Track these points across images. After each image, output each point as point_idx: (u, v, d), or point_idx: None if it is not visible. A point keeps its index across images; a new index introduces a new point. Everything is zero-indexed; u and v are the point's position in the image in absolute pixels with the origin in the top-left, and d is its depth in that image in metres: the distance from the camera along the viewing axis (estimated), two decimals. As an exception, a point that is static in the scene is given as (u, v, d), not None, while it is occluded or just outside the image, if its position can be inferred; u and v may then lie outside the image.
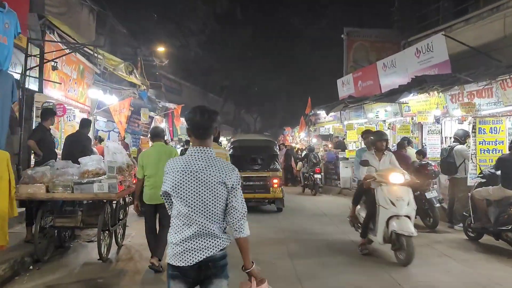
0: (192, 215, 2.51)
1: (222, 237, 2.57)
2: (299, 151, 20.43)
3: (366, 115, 14.78)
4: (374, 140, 6.89)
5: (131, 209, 7.55)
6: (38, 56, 8.72)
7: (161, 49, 22.82)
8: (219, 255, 2.56)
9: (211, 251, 2.52)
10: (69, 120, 11.49)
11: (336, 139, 18.11)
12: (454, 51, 11.42)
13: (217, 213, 2.55)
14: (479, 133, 8.10)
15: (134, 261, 6.24)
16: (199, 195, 2.52)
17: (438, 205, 8.49)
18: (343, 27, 20.37)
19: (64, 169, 6.00)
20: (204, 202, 2.52)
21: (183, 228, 2.53)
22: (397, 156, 7.19)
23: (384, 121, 13.89)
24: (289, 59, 34.28)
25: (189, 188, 2.53)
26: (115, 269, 5.84)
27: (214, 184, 2.53)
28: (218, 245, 2.54)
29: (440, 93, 9.91)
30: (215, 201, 2.53)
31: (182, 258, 2.51)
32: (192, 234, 2.51)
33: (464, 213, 7.78)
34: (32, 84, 8.67)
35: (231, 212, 2.57)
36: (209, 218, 2.53)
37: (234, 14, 33.06)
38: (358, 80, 16.75)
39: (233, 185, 2.58)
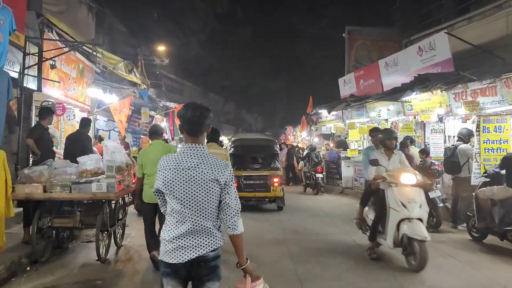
0: (185, 212, 2.50)
1: (216, 235, 2.55)
2: (300, 150, 20.33)
3: (368, 114, 14.69)
4: (383, 138, 6.55)
5: (131, 208, 7.47)
6: (37, 54, 8.66)
7: (161, 48, 22.76)
8: (212, 256, 2.53)
9: (203, 250, 2.50)
10: (69, 120, 11.42)
11: (338, 138, 18.03)
12: (456, 49, 11.33)
13: (211, 211, 2.54)
14: (483, 132, 8.00)
15: (133, 262, 6.15)
16: (192, 192, 2.50)
17: (441, 204, 8.39)
18: (344, 26, 20.26)
19: (62, 168, 5.91)
20: (197, 199, 2.50)
21: (176, 225, 2.53)
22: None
23: (387, 120, 13.79)
24: (290, 58, 34.28)
25: (181, 185, 2.51)
26: (113, 270, 5.75)
27: (207, 182, 2.52)
28: (212, 243, 2.53)
29: (444, 91, 9.81)
30: (207, 199, 2.52)
31: (174, 255, 2.50)
32: (185, 231, 2.50)
33: (468, 213, 7.69)
34: (30, 83, 8.61)
35: (225, 209, 2.56)
36: (203, 216, 2.51)
37: (234, 13, 33.07)
38: (360, 79, 16.66)
39: (226, 182, 2.55)
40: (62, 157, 8.82)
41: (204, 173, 2.51)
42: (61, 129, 11.14)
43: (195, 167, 2.53)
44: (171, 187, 2.51)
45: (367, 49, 19.71)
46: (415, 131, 11.77)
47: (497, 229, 6.68)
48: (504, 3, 11.35)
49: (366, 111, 14.80)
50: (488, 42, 11.22)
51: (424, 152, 9.32)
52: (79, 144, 7.61)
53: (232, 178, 2.60)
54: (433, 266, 5.86)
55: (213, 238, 2.53)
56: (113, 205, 6.52)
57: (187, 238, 2.50)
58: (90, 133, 9.68)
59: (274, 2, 34.39)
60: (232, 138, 13.54)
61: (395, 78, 13.57)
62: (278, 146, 12.80)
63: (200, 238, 2.51)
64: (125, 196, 7.15)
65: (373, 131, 7.80)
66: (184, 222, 2.50)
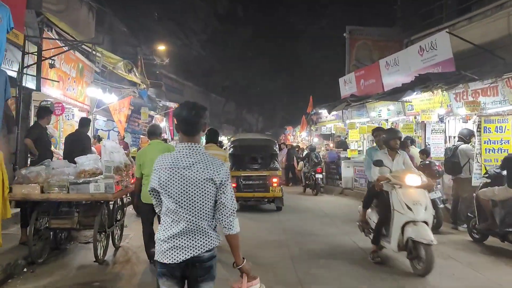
0: (180, 212, 2.48)
1: (212, 235, 2.54)
2: (299, 150, 20.27)
3: (369, 114, 14.64)
4: (387, 138, 6.34)
5: (129, 209, 7.42)
6: (36, 53, 8.62)
7: (161, 47, 22.70)
8: (207, 256, 2.52)
9: (198, 250, 2.49)
10: (68, 119, 11.39)
11: (338, 139, 17.99)
12: (457, 49, 11.27)
13: (206, 210, 2.52)
14: (484, 132, 7.94)
15: (131, 264, 6.10)
16: (187, 192, 2.49)
17: (441, 205, 8.34)
18: (345, 26, 20.20)
19: (59, 168, 5.87)
20: (192, 199, 2.49)
21: (171, 225, 2.52)
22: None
23: (387, 120, 13.74)
24: (290, 58, 34.23)
25: (176, 185, 2.50)
26: (111, 272, 5.70)
27: (202, 181, 2.50)
28: (207, 243, 2.51)
29: (444, 91, 9.76)
30: (203, 198, 2.50)
31: (169, 255, 2.49)
32: (180, 230, 2.49)
33: (468, 214, 7.63)
34: (29, 82, 8.56)
35: (220, 209, 2.54)
36: (198, 215, 2.50)
37: (235, 13, 33.00)
38: (360, 78, 16.60)
39: (221, 181, 2.53)
40: (61, 157, 8.80)
41: (199, 173, 2.50)
42: (60, 128, 11.11)
43: (190, 167, 2.51)
44: (166, 186, 2.50)
45: (368, 49, 19.65)
46: (415, 131, 11.72)
47: (498, 230, 6.63)
48: (506, 2, 11.28)
49: (366, 111, 14.75)
50: (489, 42, 11.15)
51: (425, 152, 9.27)
52: (78, 144, 7.57)
53: (228, 177, 2.57)
54: (434, 268, 5.76)
55: (208, 238, 2.52)
56: (111, 206, 6.47)
57: (182, 238, 2.48)
58: (89, 133, 9.64)
59: (274, 2, 34.36)
60: (232, 139, 13.55)
61: (396, 78, 13.50)
62: (277, 146, 12.81)
63: (195, 238, 2.49)
64: (123, 196, 7.10)
65: (376, 131, 7.62)
66: (179, 222, 2.49)
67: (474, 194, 7.35)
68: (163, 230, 2.53)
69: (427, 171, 8.32)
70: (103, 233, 6.11)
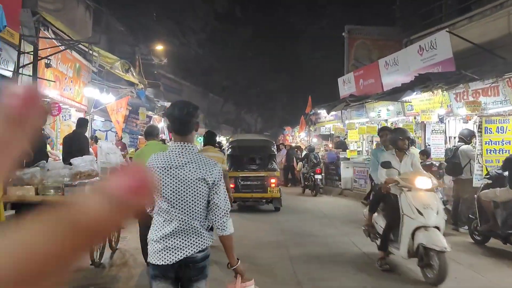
0: (173, 211, 2.46)
1: (204, 235, 2.51)
2: (298, 150, 20.17)
3: (368, 114, 14.56)
4: (395, 138, 5.95)
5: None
6: (32, 53, 8.53)
7: (159, 47, 22.60)
8: (201, 256, 2.49)
9: (191, 250, 2.45)
10: (65, 120, 11.29)
11: (337, 139, 17.89)
12: (457, 48, 11.20)
13: (198, 210, 2.49)
14: (485, 133, 7.85)
15: (128, 266, 6.01)
16: (179, 191, 2.47)
17: (442, 207, 8.24)
18: (344, 25, 20.13)
19: (54, 170, 5.77)
20: (184, 199, 2.46)
21: (163, 225, 2.49)
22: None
23: (386, 120, 13.66)
24: (289, 58, 34.15)
25: (168, 185, 2.47)
26: (108, 275, 5.62)
27: (194, 181, 2.47)
28: (200, 243, 2.48)
29: (444, 91, 9.68)
30: (195, 198, 2.48)
31: (162, 256, 2.46)
32: (173, 230, 2.46)
33: (470, 215, 7.56)
34: (25, 82, 8.47)
35: (213, 209, 2.51)
36: (190, 215, 2.47)
37: (234, 13, 32.90)
38: (359, 78, 16.54)
39: (214, 181, 2.50)
40: (57, 158, 8.73)
41: (192, 172, 2.48)
42: (57, 129, 11.02)
43: (183, 166, 2.49)
44: (158, 185, 2.47)
45: (367, 49, 19.58)
46: (415, 131, 11.64)
47: (500, 232, 6.56)
48: (505, 2, 11.24)
49: (365, 111, 14.67)
50: (489, 41, 11.10)
51: (425, 153, 9.21)
52: (77, 144, 7.51)
53: (220, 177, 2.54)
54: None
55: (201, 238, 2.49)
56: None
57: (174, 238, 2.45)
58: (87, 134, 9.56)
59: (274, 2, 34.30)
60: (230, 139, 13.55)
61: (395, 77, 13.44)
62: (275, 147, 12.80)
63: (188, 238, 2.47)
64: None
65: (382, 131, 7.19)
66: (172, 221, 2.47)
67: (475, 195, 7.27)
68: (156, 230, 2.51)
69: (428, 172, 8.28)
70: (100, 235, 6.01)
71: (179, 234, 2.46)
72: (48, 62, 8.64)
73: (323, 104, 17.73)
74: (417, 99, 10.79)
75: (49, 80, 9.19)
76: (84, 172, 5.78)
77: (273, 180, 10.79)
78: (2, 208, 5.12)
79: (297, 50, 33.83)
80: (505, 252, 6.67)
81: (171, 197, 2.47)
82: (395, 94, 11.38)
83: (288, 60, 34.30)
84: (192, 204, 2.47)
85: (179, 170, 2.48)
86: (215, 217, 2.51)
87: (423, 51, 12.02)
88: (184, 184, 2.47)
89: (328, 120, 18.62)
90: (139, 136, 15.04)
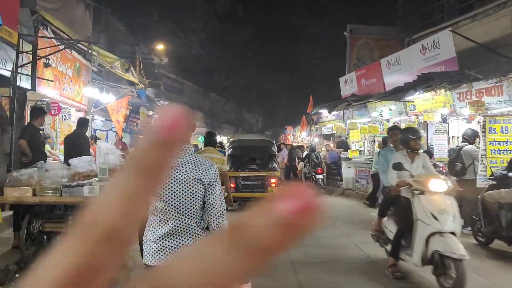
0: (168, 211, 2.45)
1: (201, 235, 2.49)
2: (300, 150, 20.08)
3: (370, 114, 14.47)
4: (407, 138, 5.57)
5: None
6: (31, 52, 8.45)
7: (160, 47, 22.52)
8: None
9: None
10: (65, 120, 11.23)
11: (339, 139, 17.81)
12: (459, 48, 11.12)
13: (194, 210, 2.48)
14: (489, 133, 7.76)
15: (127, 268, 5.92)
16: (175, 192, 2.46)
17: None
18: (345, 25, 20.04)
19: (53, 171, 5.69)
20: (180, 199, 2.46)
21: (159, 225, 2.47)
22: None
23: (388, 120, 13.58)
24: (290, 58, 34.12)
25: (165, 185, 2.43)
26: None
27: (190, 181, 2.47)
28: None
29: (447, 91, 9.59)
30: (191, 198, 2.47)
31: (158, 258, 2.44)
32: (169, 230, 2.44)
33: (473, 216, 7.46)
34: (24, 82, 8.39)
35: (209, 210, 2.51)
36: (186, 215, 2.46)
37: (234, 13, 32.87)
38: (361, 78, 16.45)
39: (210, 182, 2.50)
40: (57, 158, 8.66)
41: (188, 173, 2.48)
42: (57, 129, 10.96)
43: (179, 167, 2.47)
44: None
45: (369, 48, 19.49)
46: (417, 131, 11.54)
47: (504, 233, 6.46)
48: (508, 0, 11.15)
49: (367, 111, 14.58)
50: (492, 40, 11.01)
51: (428, 153, 9.09)
52: (77, 145, 7.45)
53: (216, 178, 2.53)
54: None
55: (198, 238, 2.47)
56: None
57: (170, 239, 2.44)
58: (87, 133, 9.49)
59: (274, 2, 34.29)
60: (231, 139, 13.53)
61: (398, 77, 13.35)
62: (275, 147, 12.78)
63: (184, 238, 2.45)
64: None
65: (392, 130, 6.89)
66: (167, 221, 2.48)
67: (479, 196, 7.18)
68: (152, 230, 2.51)
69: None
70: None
71: (175, 235, 2.46)
72: (47, 61, 8.56)
73: (325, 103, 17.67)
74: (420, 99, 10.70)
75: (48, 80, 9.12)
76: (82, 172, 5.70)
77: (273, 180, 10.82)
78: (-1, 210, 5.04)
79: (297, 49, 33.81)
80: (509, 254, 6.57)
81: (167, 197, 2.46)
82: (397, 93, 11.30)
83: (289, 60, 34.29)
84: (189, 204, 2.48)
85: (175, 170, 2.48)
86: (211, 218, 2.51)
87: (426, 51, 11.94)
88: (180, 185, 2.48)
89: (330, 119, 18.54)
90: (140, 136, 14.97)
